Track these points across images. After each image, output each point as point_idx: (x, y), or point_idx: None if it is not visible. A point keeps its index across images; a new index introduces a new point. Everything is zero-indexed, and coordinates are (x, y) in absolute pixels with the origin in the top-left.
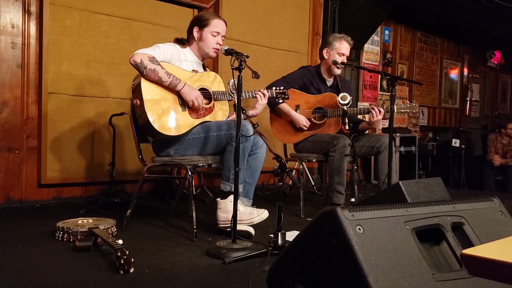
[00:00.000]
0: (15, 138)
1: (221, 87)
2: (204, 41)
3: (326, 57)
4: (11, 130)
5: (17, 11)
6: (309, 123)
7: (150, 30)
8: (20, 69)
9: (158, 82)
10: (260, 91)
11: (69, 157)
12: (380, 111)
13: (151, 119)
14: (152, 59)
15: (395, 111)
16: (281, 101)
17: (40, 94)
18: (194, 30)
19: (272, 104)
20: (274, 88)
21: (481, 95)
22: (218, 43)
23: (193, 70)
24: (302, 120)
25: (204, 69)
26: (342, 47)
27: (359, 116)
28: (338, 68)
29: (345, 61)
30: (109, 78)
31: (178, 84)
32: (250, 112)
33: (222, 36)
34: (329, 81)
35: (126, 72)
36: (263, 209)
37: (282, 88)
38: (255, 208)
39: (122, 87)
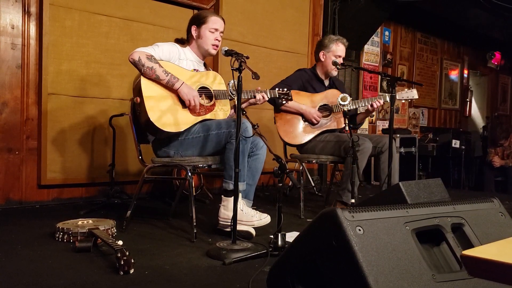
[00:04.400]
0: (15, 138)
1: (222, 87)
2: (202, 38)
3: (322, 59)
4: (11, 130)
5: (17, 12)
6: (321, 115)
7: (150, 31)
8: (20, 69)
9: (156, 81)
10: (262, 92)
11: (69, 158)
12: (379, 102)
13: (151, 116)
14: (150, 57)
15: (397, 98)
16: (284, 102)
17: (40, 94)
18: (192, 29)
19: (278, 104)
20: (277, 89)
21: (481, 96)
22: (217, 39)
23: (194, 69)
24: (313, 112)
25: (206, 68)
26: (338, 49)
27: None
28: (338, 69)
29: (341, 62)
30: (109, 78)
31: (175, 82)
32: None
33: (221, 33)
34: (326, 82)
35: (126, 73)
36: (266, 214)
37: (286, 89)
38: (257, 212)
39: (122, 88)
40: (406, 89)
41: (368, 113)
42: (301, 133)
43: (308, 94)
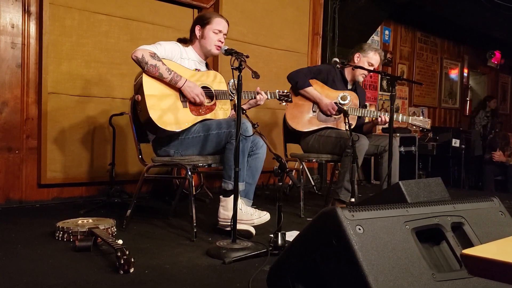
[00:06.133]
0: (15, 138)
1: (223, 87)
2: (205, 39)
3: (356, 61)
4: (11, 130)
5: (16, 11)
6: (336, 109)
7: (150, 30)
8: (20, 69)
9: (159, 78)
10: (261, 93)
11: (69, 157)
12: (386, 119)
13: (152, 114)
14: (154, 55)
15: (409, 122)
16: (284, 103)
17: (40, 94)
18: (196, 29)
19: (300, 87)
20: (277, 90)
21: (481, 95)
22: (220, 40)
23: (196, 69)
24: (329, 104)
25: (208, 68)
26: (374, 58)
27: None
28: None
29: (374, 69)
30: (109, 78)
31: (179, 81)
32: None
33: (224, 34)
34: (350, 85)
35: (126, 72)
36: (265, 212)
37: (285, 91)
38: (257, 210)
39: (122, 87)
40: (421, 117)
41: (374, 124)
42: (306, 122)
43: (327, 88)
